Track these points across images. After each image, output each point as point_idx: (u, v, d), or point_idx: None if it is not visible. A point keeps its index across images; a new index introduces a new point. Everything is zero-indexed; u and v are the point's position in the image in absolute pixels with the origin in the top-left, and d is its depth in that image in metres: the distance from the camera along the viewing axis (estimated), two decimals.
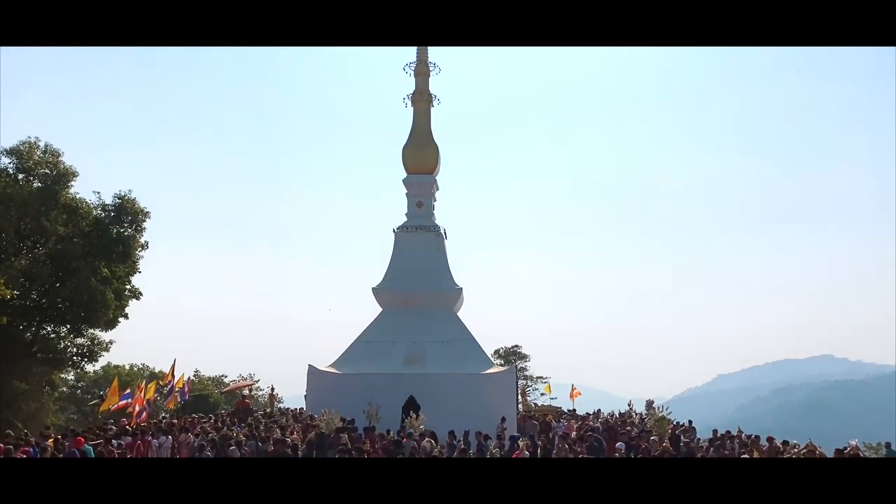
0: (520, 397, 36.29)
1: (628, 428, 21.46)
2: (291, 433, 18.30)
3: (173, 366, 25.80)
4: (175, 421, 21.89)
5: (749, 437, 17.99)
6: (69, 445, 15.28)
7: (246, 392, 32.57)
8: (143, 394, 22.36)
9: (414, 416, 21.63)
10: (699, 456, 16.06)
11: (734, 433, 19.16)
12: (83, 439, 15.61)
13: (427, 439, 18.08)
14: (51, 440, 16.12)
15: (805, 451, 13.83)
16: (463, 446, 16.47)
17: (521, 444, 16.30)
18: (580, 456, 16.42)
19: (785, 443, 15.22)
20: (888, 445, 17.13)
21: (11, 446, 13.81)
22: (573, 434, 21.21)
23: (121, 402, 22.31)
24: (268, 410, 27.75)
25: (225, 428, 19.73)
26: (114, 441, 16.11)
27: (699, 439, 19.69)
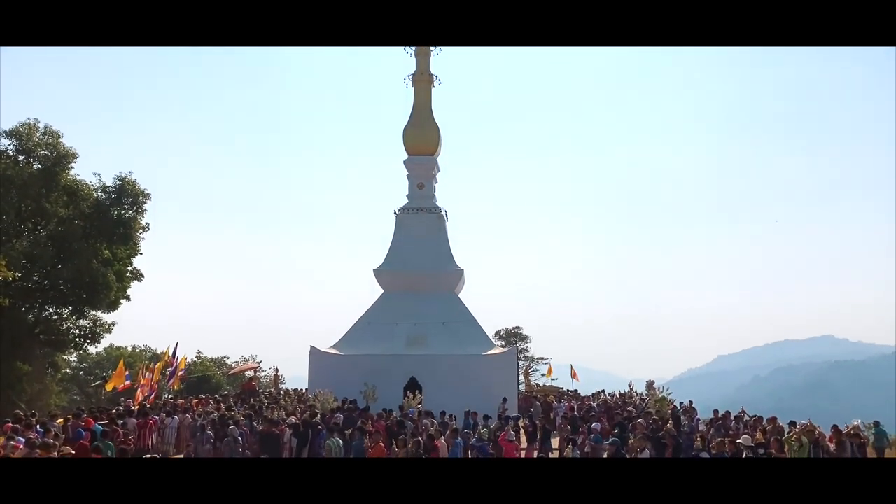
0: (523, 378, 36.56)
1: (629, 409, 21.58)
2: (293, 414, 18.40)
3: (175, 348, 25.92)
4: (180, 402, 22.17)
5: (752, 417, 18.03)
6: (74, 426, 15.60)
7: (251, 374, 32.74)
8: (152, 376, 22.63)
9: (411, 395, 21.86)
10: (699, 435, 16.11)
11: (735, 413, 19.22)
12: (92, 420, 15.98)
13: (429, 418, 18.30)
14: (60, 420, 16.58)
15: (804, 430, 13.87)
16: (455, 425, 16.60)
17: (511, 424, 16.47)
18: (580, 435, 16.57)
19: (792, 423, 15.27)
20: (877, 424, 17.12)
21: (20, 425, 14.02)
22: (573, 414, 21.39)
23: (126, 383, 22.66)
24: (271, 391, 27.92)
25: (224, 408, 19.99)
26: (119, 421, 16.37)
27: (699, 419, 19.77)
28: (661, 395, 21.52)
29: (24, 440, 12.01)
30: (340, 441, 15.12)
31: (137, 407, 19.62)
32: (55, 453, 11.41)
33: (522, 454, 16.58)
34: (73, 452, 11.83)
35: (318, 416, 18.24)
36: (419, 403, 21.21)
